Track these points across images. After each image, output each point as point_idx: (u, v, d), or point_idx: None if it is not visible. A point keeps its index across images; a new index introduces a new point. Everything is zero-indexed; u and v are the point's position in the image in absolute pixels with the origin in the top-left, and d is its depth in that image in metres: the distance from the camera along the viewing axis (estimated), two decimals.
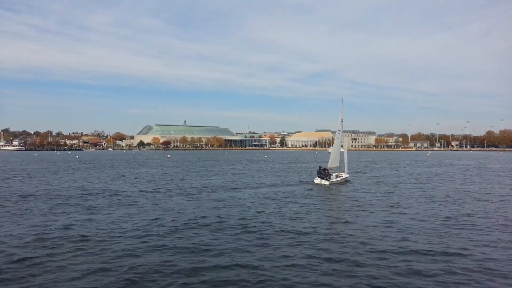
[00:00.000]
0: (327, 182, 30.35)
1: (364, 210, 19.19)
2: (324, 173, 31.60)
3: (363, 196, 24.35)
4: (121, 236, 13.70)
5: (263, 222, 16.06)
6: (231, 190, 28.00)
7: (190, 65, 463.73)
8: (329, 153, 37.34)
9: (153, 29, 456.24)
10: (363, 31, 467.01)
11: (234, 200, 22.83)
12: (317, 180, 31.13)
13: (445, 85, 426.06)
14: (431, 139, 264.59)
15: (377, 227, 15.21)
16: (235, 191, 27.08)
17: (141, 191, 27.22)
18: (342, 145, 34.89)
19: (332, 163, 33.01)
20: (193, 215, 17.81)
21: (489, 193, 26.12)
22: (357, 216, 17.72)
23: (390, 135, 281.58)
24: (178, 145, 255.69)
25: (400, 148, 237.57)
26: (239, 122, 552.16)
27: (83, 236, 13.72)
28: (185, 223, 15.90)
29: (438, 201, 22.45)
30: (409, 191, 27.47)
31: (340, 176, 32.87)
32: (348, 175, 34.45)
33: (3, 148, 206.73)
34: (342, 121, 33.64)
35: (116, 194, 25.22)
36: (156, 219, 16.87)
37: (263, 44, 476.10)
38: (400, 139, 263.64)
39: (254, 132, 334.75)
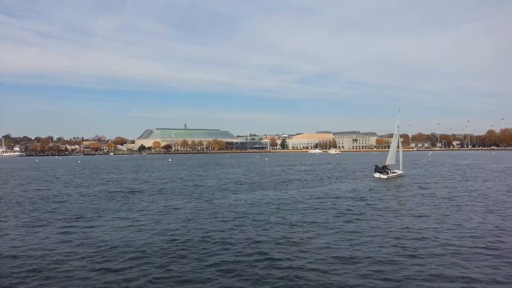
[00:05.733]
0: (385, 176, 35.23)
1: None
2: (382, 170, 36.26)
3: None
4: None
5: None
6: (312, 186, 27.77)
7: (192, 68, 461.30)
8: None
9: (157, 33, 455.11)
10: (364, 32, 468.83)
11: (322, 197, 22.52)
12: (376, 175, 36.14)
13: (445, 84, 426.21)
14: (432, 139, 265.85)
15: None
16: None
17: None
18: (398, 146, 38.97)
19: (389, 161, 37.11)
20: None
21: None
22: None
23: (391, 135, 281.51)
24: (179, 149, 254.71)
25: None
26: (240, 125, 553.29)
27: None
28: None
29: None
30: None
31: (395, 172, 37.01)
32: (402, 172, 38.58)
33: (4, 154, 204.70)
34: (398, 127, 38.66)
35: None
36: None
37: (265, 46, 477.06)
38: (401, 139, 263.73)
39: (255, 135, 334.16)
